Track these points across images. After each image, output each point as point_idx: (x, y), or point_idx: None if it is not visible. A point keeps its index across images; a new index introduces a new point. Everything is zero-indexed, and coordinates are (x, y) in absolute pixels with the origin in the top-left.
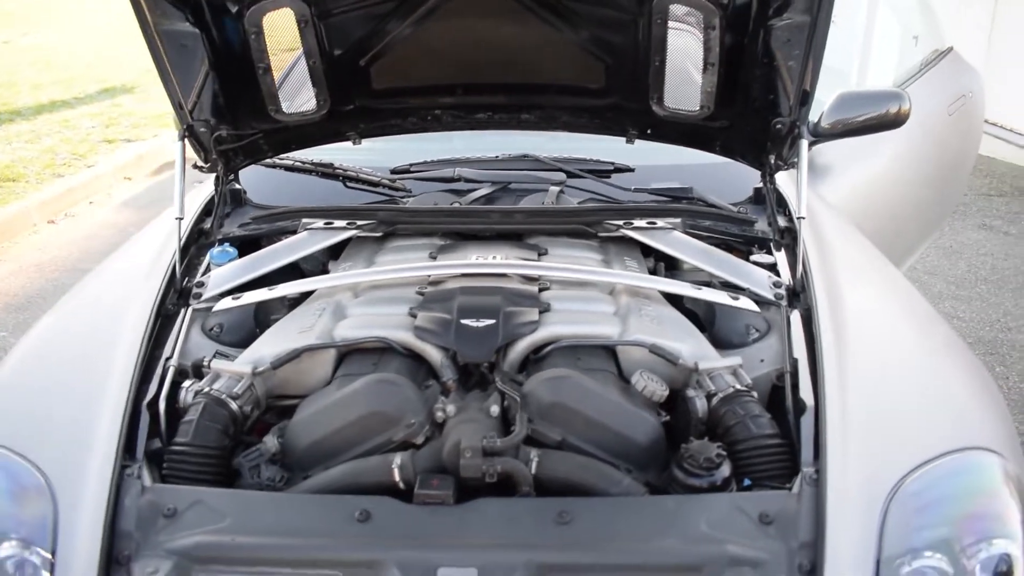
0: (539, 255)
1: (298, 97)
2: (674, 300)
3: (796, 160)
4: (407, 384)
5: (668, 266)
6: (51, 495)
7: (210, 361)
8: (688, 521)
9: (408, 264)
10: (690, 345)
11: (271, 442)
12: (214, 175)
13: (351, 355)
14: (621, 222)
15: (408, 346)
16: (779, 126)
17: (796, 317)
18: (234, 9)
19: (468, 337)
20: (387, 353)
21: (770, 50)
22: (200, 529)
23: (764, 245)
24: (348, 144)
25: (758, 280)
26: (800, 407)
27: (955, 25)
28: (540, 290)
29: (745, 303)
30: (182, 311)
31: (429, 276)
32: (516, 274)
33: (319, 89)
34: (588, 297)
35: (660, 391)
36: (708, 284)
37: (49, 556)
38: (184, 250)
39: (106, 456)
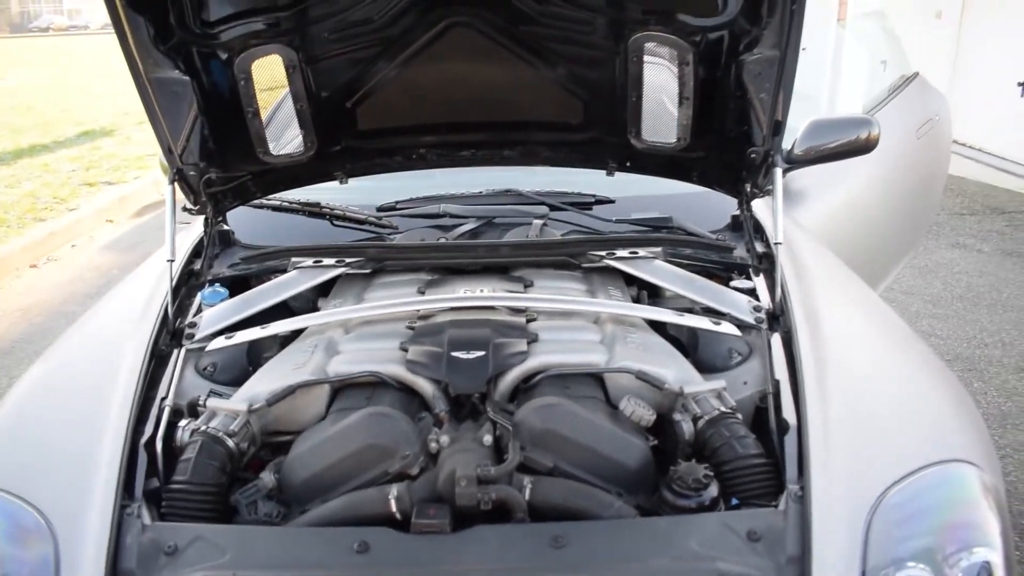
0: (525, 287)
1: (284, 138)
2: (658, 327)
3: (771, 188)
4: (401, 417)
5: (651, 294)
6: (52, 536)
7: (205, 400)
8: (679, 541)
9: (398, 300)
10: (675, 370)
11: (268, 478)
12: (203, 217)
13: (344, 390)
14: (604, 252)
15: (400, 380)
16: (753, 155)
17: (776, 340)
18: (224, 56)
19: (459, 369)
20: (380, 387)
21: (742, 83)
22: (201, 565)
23: (743, 271)
24: (335, 183)
25: (738, 305)
26: (783, 427)
27: (922, 49)
28: (528, 321)
29: (727, 328)
30: (175, 352)
31: (419, 311)
32: (504, 306)
33: (306, 131)
34: (574, 327)
35: (647, 416)
36: (690, 310)
37: None
38: (175, 291)
39: (105, 496)
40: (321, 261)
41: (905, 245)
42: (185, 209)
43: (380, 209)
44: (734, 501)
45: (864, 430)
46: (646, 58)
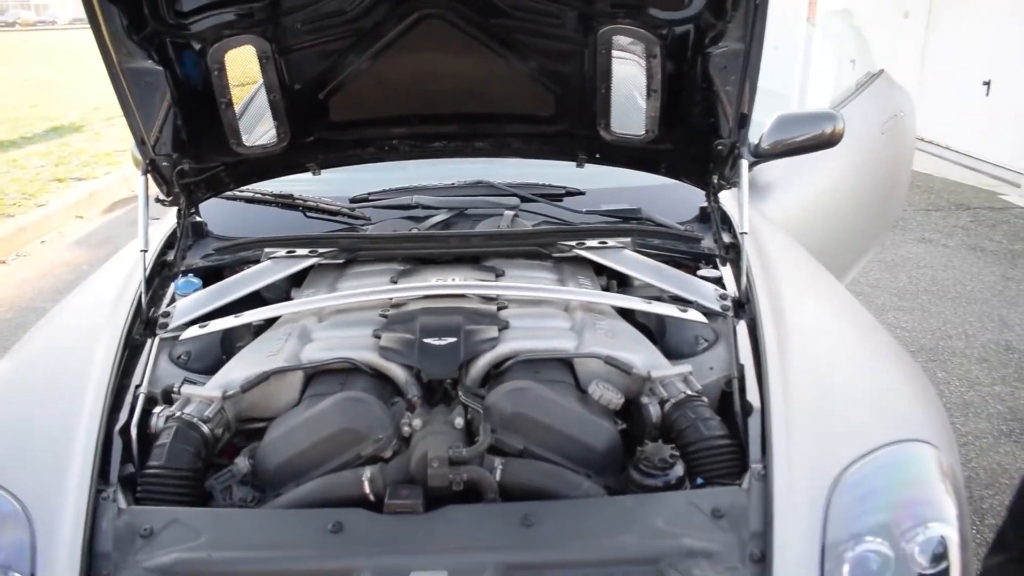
0: (496, 276)
1: (258, 130)
2: (627, 314)
3: (737, 180)
4: (374, 401)
5: (620, 283)
6: (28, 521)
7: (179, 387)
8: (646, 518)
9: (370, 288)
10: (643, 355)
11: (242, 463)
12: (176, 208)
13: (318, 376)
14: (574, 243)
15: (373, 366)
16: (720, 147)
17: (742, 326)
18: (197, 47)
19: (431, 355)
20: (353, 373)
21: (708, 76)
22: (177, 547)
23: (710, 260)
24: (308, 175)
25: (705, 293)
26: (747, 409)
27: (890, 48)
28: (499, 309)
29: (693, 315)
30: (149, 341)
31: (391, 299)
32: (475, 295)
33: (280, 122)
34: (545, 314)
35: (615, 399)
36: (658, 299)
37: None
38: (149, 282)
39: (81, 481)
40: (294, 251)
41: (871, 238)
42: (158, 200)
43: (353, 200)
44: (699, 480)
45: (825, 412)
46: (615, 51)
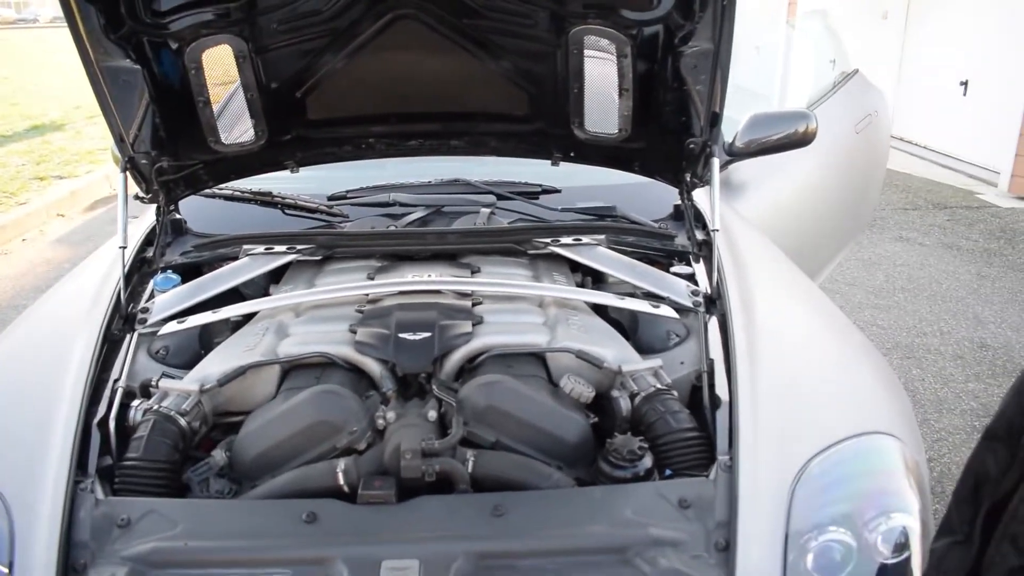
0: (472, 273)
1: (236, 128)
2: (600, 310)
3: (710, 177)
4: (349, 394)
5: (595, 280)
6: (6, 511)
7: (157, 381)
8: (614, 508)
9: (347, 284)
10: (614, 350)
11: (219, 456)
12: (155, 205)
13: (294, 371)
14: (549, 240)
15: (349, 360)
16: (692, 146)
17: (714, 322)
18: (174, 46)
19: (406, 349)
20: (329, 367)
21: (679, 75)
22: (154, 536)
23: (684, 257)
24: (286, 172)
25: (677, 289)
26: (715, 402)
27: (869, 48)
28: (473, 305)
29: (665, 311)
30: (128, 336)
31: (368, 295)
32: (450, 290)
33: (257, 120)
34: (518, 309)
35: (587, 393)
36: (632, 295)
37: (6, 569)
38: (128, 278)
39: (59, 473)
40: (272, 248)
41: (845, 236)
42: (137, 197)
43: (331, 198)
44: (668, 472)
45: (791, 405)
46: (586, 51)
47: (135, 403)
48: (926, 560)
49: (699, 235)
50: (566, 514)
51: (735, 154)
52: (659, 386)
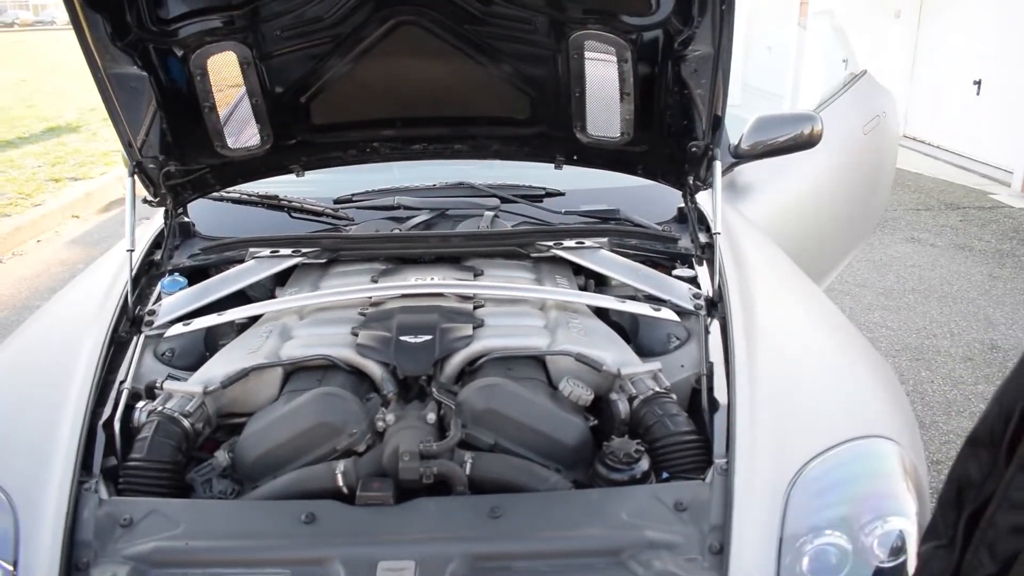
0: (475, 276)
1: (244, 132)
2: (601, 313)
3: (712, 180)
4: (350, 396)
5: (598, 282)
6: (12, 510)
7: (162, 383)
8: (610, 511)
9: (350, 287)
10: (613, 353)
11: (222, 457)
12: (163, 209)
13: (297, 373)
14: (551, 243)
15: (351, 363)
16: (694, 149)
17: (715, 325)
18: (180, 53)
19: (407, 352)
20: (331, 370)
21: (680, 79)
22: (155, 536)
23: (686, 260)
24: (292, 176)
25: (679, 292)
26: (714, 406)
27: (881, 48)
28: (475, 308)
29: (666, 314)
30: (135, 338)
31: (371, 298)
32: (452, 293)
33: (262, 125)
34: (519, 312)
35: (585, 396)
36: (633, 298)
37: (11, 567)
38: (136, 281)
39: (64, 473)
40: (278, 251)
41: (853, 239)
42: (146, 201)
43: (337, 201)
44: (665, 475)
45: (790, 408)
46: (587, 55)
47: (140, 404)
48: None
49: (702, 238)
50: (562, 516)
51: (741, 156)
52: (658, 389)
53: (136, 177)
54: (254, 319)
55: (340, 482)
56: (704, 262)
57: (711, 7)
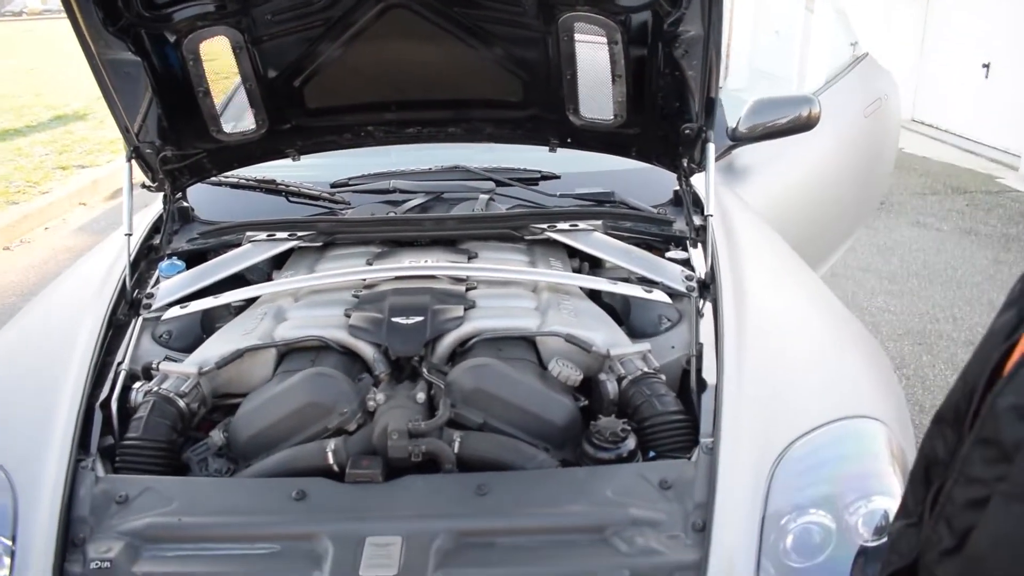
0: (469, 258)
1: (245, 117)
2: (594, 295)
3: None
4: (341, 376)
5: (593, 265)
6: (11, 488)
7: (158, 364)
8: (595, 489)
9: (345, 270)
10: (603, 334)
11: (217, 436)
12: (162, 194)
13: (291, 354)
14: (545, 225)
15: (343, 343)
16: (688, 131)
17: (708, 307)
18: (172, 38)
19: (398, 333)
20: (324, 351)
21: (671, 61)
22: (150, 512)
23: (680, 243)
24: (290, 161)
25: (671, 274)
26: (702, 386)
27: (890, 30)
28: (468, 289)
29: (658, 295)
30: (133, 320)
31: (365, 280)
32: (445, 276)
33: (257, 110)
34: (511, 294)
35: (574, 376)
36: (626, 280)
37: (9, 542)
38: (134, 265)
39: (62, 451)
40: (274, 235)
41: (852, 222)
42: (144, 186)
43: (333, 185)
44: (651, 454)
45: (777, 388)
46: (577, 37)
47: (137, 385)
48: None
49: (697, 220)
50: (548, 494)
51: (738, 139)
52: (646, 370)
53: (134, 162)
54: (251, 302)
55: (330, 460)
56: (698, 244)
57: None
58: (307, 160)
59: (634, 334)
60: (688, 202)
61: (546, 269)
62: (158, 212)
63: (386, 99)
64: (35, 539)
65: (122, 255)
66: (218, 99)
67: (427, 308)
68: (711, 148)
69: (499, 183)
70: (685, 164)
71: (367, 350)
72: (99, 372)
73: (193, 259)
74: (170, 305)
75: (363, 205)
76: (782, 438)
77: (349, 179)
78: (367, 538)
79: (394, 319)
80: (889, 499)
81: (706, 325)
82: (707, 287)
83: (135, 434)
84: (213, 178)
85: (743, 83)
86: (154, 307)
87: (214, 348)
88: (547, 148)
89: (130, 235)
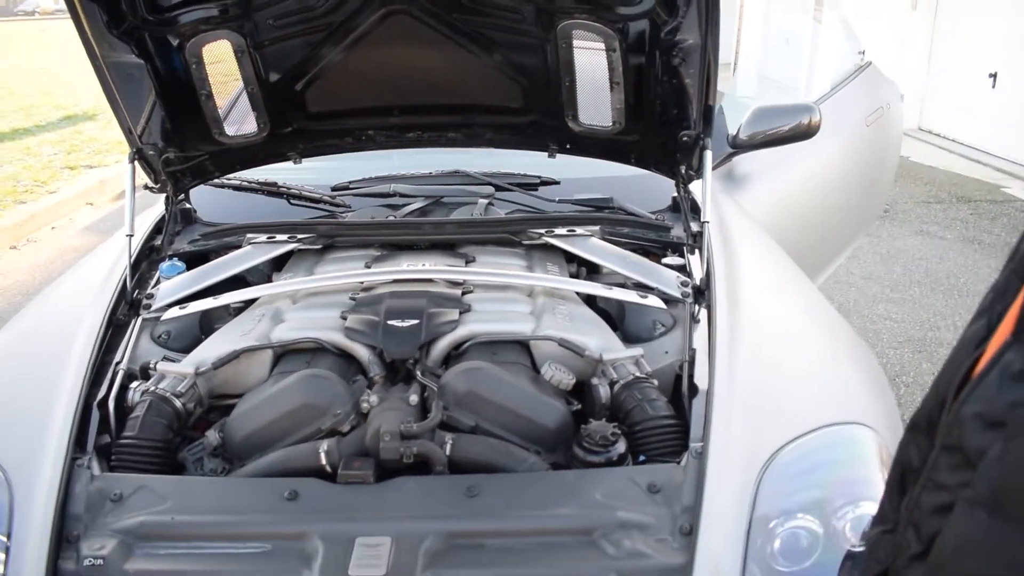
0: (467, 262)
1: (239, 120)
2: (590, 300)
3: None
4: (335, 378)
5: (590, 270)
6: (7, 485)
7: (156, 364)
8: (584, 492)
9: (342, 272)
10: (597, 339)
11: (213, 436)
12: (165, 195)
13: (287, 355)
14: (543, 230)
15: (339, 346)
16: (686, 138)
17: (703, 313)
18: (175, 42)
19: (393, 336)
20: (320, 352)
21: (669, 69)
22: (144, 511)
23: (677, 249)
24: (291, 163)
25: (667, 280)
26: (693, 391)
27: (897, 40)
28: (464, 293)
29: (653, 301)
30: (132, 320)
31: (362, 283)
32: (442, 279)
33: (259, 113)
34: (507, 299)
35: (567, 380)
36: (622, 285)
37: (4, 539)
38: (135, 265)
39: (58, 450)
40: (274, 237)
41: (853, 231)
42: (146, 187)
43: (334, 188)
44: (642, 458)
45: (768, 394)
46: (576, 44)
47: (134, 385)
48: None
49: (694, 227)
50: (538, 496)
51: (739, 146)
52: (638, 374)
53: (137, 164)
54: (250, 303)
55: (323, 461)
56: (695, 250)
57: None
58: (308, 163)
59: (629, 339)
60: (686, 208)
61: (542, 274)
62: (160, 213)
63: (387, 104)
64: (30, 535)
65: (123, 256)
66: (221, 102)
67: (423, 311)
68: (708, 155)
69: (498, 188)
70: (683, 171)
71: (362, 352)
72: (97, 371)
73: (194, 260)
74: (169, 306)
75: (363, 208)
76: (771, 443)
77: (350, 182)
78: (357, 538)
79: (390, 322)
80: (877, 505)
81: (700, 331)
82: (702, 293)
83: (131, 433)
84: (215, 180)
85: (752, 90)
86: (154, 307)
87: (211, 349)
88: (546, 154)
89: (131, 236)
